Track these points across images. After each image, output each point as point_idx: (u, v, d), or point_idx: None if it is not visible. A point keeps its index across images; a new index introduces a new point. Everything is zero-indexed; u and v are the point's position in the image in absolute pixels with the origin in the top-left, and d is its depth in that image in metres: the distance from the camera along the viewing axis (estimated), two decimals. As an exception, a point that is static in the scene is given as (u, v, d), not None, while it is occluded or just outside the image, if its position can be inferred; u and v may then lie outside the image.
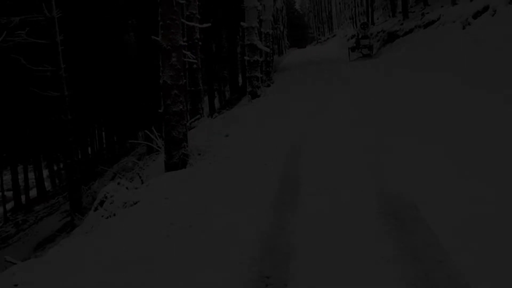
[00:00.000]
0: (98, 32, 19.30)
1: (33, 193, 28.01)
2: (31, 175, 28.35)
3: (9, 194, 26.32)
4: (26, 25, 9.44)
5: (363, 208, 3.20)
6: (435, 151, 4.15)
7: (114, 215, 4.20)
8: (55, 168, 32.44)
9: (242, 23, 11.75)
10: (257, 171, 4.54)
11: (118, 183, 4.96)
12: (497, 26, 10.48)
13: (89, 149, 31.74)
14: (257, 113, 8.48)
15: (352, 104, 7.85)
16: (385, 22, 28.53)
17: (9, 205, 25.32)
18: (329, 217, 3.14)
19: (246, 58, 11.97)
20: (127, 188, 4.79)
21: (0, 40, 5.60)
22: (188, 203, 3.81)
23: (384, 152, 4.50)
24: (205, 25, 8.24)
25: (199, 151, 6.43)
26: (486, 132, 4.32)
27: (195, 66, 9.33)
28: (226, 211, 3.48)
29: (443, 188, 3.26)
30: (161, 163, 6.73)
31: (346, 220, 3.05)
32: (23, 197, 25.88)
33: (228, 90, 32.09)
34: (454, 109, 5.64)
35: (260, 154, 5.35)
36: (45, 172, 31.82)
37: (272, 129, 6.86)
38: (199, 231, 3.18)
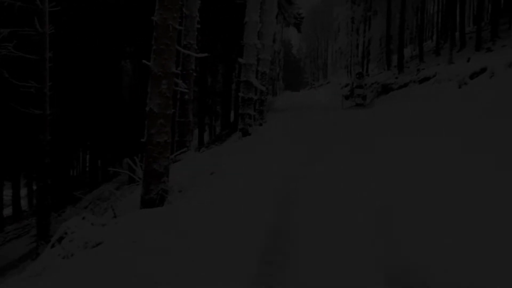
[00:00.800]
0: (93, 56, 19.04)
1: (8, 211, 26.82)
2: (8, 192, 27.16)
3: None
4: (15, 38, 9.04)
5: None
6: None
7: (72, 255, 3.61)
8: (34, 187, 31.26)
9: (240, 59, 11.51)
10: (241, 218, 4.01)
11: (83, 218, 4.37)
12: (495, 88, 10.37)
13: (72, 171, 30.76)
14: (247, 152, 8.01)
15: (344, 155, 7.36)
16: (380, 74, 28.97)
17: (-21, 223, 24.00)
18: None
19: (241, 94, 11.65)
20: (92, 224, 4.21)
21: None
22: (158, 250, 3.25)
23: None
24: (201, 55, 7.93)
25: (181, 188, 5.90)
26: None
27: (186, 97, 8.93)
28: (200, 267, 2.93)
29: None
30: (138, 196, 6.15)
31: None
32: (-4, 215, 24.63)
33: (219, 125, 31.95)
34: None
35: (246, 197, 4.84)
36: (24, 191, 30.64)
37: (261, 170, 6.36)
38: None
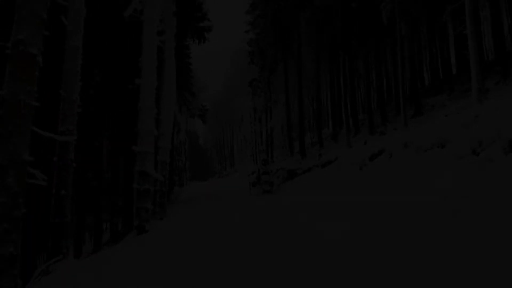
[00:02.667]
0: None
1: None
2: None
3: None
4: None
5: None
6: None
7: None
8: None
9: (134, 147, 10.38)
10: None
11: None
12: (394, 167, 10.51)
13: None
14: (136, 258, 6.57)
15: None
16: (284, 160, 29.56)
17: None
18: None
19: (135, 186, 10.31)
20: None
21: None
22: None
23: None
24: (64, 138, 6.67)
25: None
26: None
27: (63, 192, 7.40)
28: None
29: None
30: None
31: None
32: None
33: (121, 221, 29.36)
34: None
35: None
36: None
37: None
38: None
